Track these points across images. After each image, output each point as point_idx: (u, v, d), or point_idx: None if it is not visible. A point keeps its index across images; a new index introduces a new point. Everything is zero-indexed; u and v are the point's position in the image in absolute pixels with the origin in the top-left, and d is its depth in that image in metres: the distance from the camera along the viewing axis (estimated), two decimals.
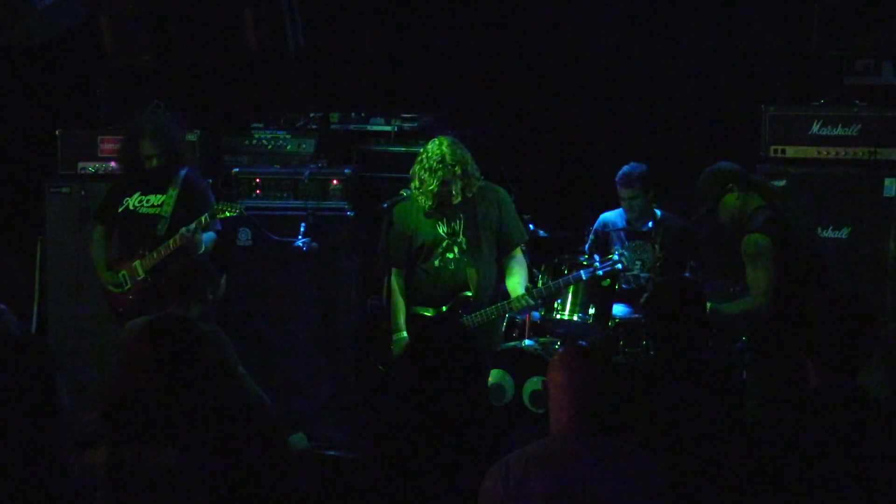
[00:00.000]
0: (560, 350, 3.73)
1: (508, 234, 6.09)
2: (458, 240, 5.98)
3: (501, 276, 6.16)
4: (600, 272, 6.11)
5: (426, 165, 5.89)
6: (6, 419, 3.77)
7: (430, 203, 5.93)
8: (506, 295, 6.09)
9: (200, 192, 6.64)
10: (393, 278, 5.99)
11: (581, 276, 6.11)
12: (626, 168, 7.05)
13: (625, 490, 3.52)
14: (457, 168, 5.88)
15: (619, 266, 6.10)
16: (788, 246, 5.60)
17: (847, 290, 5.01)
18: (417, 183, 5.93)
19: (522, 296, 5.96)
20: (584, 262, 6.35)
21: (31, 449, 3.75)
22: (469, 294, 5.95)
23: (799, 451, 3.54)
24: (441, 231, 5.98)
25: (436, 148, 5.91)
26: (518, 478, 3.53)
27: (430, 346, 4.07)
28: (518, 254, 6.14)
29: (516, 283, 6.05)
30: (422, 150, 6.02)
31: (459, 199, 5.94)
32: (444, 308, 5.95)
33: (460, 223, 5.99)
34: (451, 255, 5.98)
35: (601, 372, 3.65)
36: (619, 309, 6.66)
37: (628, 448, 3.62)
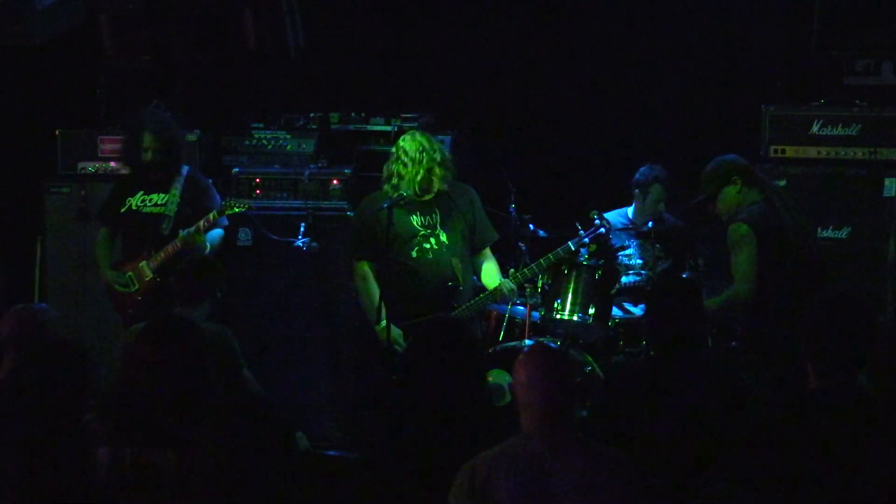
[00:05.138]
0: (525, 349, 3.75)
1: (482, 233, 6.20)
2: (437, 232, 6.02)
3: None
4: (586, 239, 6.22)
5: (408, 158, 5.94)
6: (38, 421, 3.79)
7: (413, 194, 5.93)
8: (483, 291, 6.18)
9: (204, 189, 6.65)
10: (363, 270, 6.04)
11: (570, 247, 6.20)
12: (659, 168, 7.06)
13: (591, 488, 3.53)
14: (436, 154, 5.95)
15: (602, 230, 6.23)
16: (774, 242, 5.63)
17: (844, 291, 5.02)
18: (396, 180, 5.95)
19: (505, 281, 6.05)
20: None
21: (61, 448, 3.76)
22: (457, 283, 5.99)
23: (799, 452, 3.55)
24: (416, 223, 6.01)
25: (411, 140, 6.00)
26: (483, 477, 3.56)
27: (431, 347, 4.07)
28: (488, 251, 6.26)
29: (493, 273, 6.16)
30: (393, 148, 6.07)
31: (439, 187, 5.98)
32: (434, 301, 5.95)
33: (437, 217, 6.03)
34: (428, 246, 6.01)
35: (566, 370, 3.68)
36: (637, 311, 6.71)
37: (596, 446, 3.64)
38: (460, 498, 3.57)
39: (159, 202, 6.55)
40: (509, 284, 6.08)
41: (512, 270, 6.25)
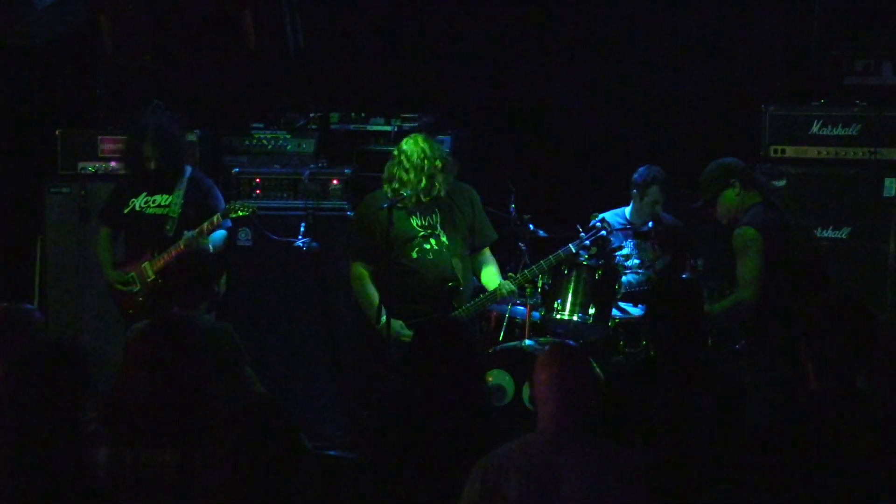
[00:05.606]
0: (546, 348, 3.75)
1: (481, 233, 6.18)
2: (437, 233, 6.01)
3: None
4: (586, 242, 6.18)
5: (410, 164, 5.93)
6: (34, 423, 3.77)
7: (412, 200, 5.93)
8: (483, 291, 6.16)
9: (207, 190, 6.63)
10: (360, 270, 6.04)
11: (570, 249, 6.17)
12: (661, 170, 7.05)
13: (601, 487, 3.53)
14: (437, 162, 5.94)
15: (603, 233, 6.20)
16: (780, 243, 5.63)
17: (845, 293, 5.02)
18: (397, 184, 5.95)
19: (504, 282, 6.03)
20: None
21: (58, 449, 3.74)
22: (457, 284, 5.98)
23: (800, 453, 3.55)
24: (415, 224, 6.00)
25: (414, 145, 5.98)
26: (495, 474, 3.56)
27: (430, 347, 4.07)
28: (488, 252, 6.24)
29: (493, 274, 6.14)
30: (395, 150, 6.06)
31: (440, 192, 5.98)
32: (434, 302, 5.95)
33: (437, 217, 6.02)
34: (428, 247, 6.00)
35: (585, 370, 3.68)
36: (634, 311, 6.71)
37: (609, 445, 3.64)
38: (472, 495, 3.56)
39: (163, 203, 6.53)
40: (508, 286, 6.07)
41: (511, 274, 6.25)
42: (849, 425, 3.57)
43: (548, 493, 3.52)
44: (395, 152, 6.05)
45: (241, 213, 6.41)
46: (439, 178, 5.95)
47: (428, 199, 6.01)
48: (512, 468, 3.55)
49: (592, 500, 3.52)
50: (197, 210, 6.48)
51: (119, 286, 6.52)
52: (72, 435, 3.75)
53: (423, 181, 5.92)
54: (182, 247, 6.32)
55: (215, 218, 6.36)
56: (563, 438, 3.59)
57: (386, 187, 6.02)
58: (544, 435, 3.61)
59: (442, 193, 6.01)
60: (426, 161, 5.92)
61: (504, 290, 6.05)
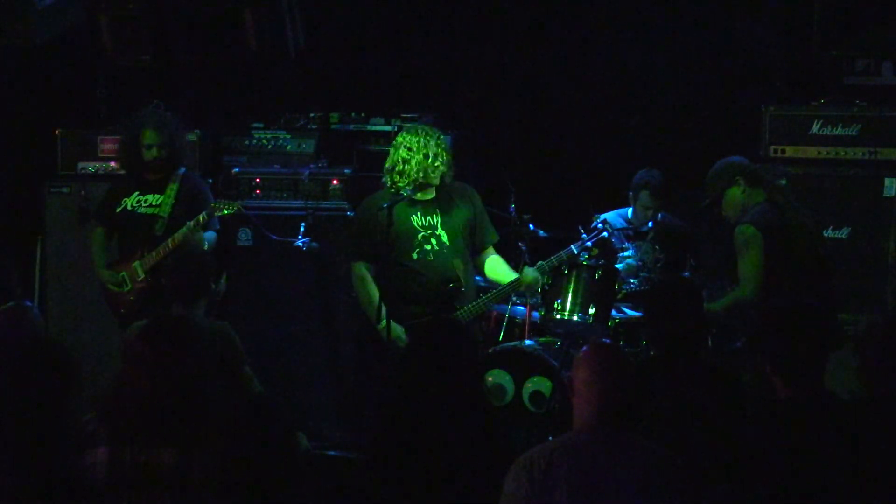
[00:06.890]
0: (585, 346, 3.74)
1: (483, 233, 6.14)
2: (437, 233, 5.99)
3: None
4: (588, 243, 6.16)
5: (411, 144, 5.90)
6: (15, 423, 3.75)
7: (412, 183, 5.90)
8: (484, 292, 6.12)
9: (199, 191, 6.63)
10: (361, 270, 6.02)
11: (572, 251, 6.14)
12: (656, 175, 7.04)
13: (644, 486, 3.53)
14: (441, 141, 5.92)
15: (605, 234, 6.18)
16: (780, 242, 5.64)
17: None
18: (401, 166, 5.93)
19: (531, 269, 5.98)
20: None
21: (39, 450, 3.72)
22: (459, 285, 5.95)
23: (783, 460, 3.58)
24: (416, 224, 5.99)
25: (412, 130, 5.98)
26: (542, 470, 3.54)
27: (429, 347, 4.07)
28: (492, 250, 6.19)
29: (506, 268, 6.09)
30: (393, 143, 6.04)
31: (442, 176, 5.95)
32: (436, 303, 5.94)
33: (437, 217, 6.00)
34: (429, 247, 5.98)
35: (626, 369, 3.67)
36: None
37: (649, 445, 3.64)
38: (518, 491, 3.56)
39: (154, 203, 6.53)
40: (533, 273, 5.99)
41: (541, 262, 6.16)
42: (826, 428, 3.60)
43: (597, 490, 3.51)
44: (394, 143, 6.03)
45: (225, 212, 6.40)
46: (442, 157, 5.93)
47: (429, 194, 5.97)
48: (561, 465, 3.53)
49: (642, 499, 3.52)
50: (188, 210, 6.46)
51: (111, 287, 6.53)
52: (58, 435, 3.73)
53: (430, 157, 5.87)
54: (170, 246, 6.31)
55: (201, 217, 6.33)
56: (609, 437, 3.58)
57: (387, 178, 5.99)
58: (588, 434, 3.60)
59: (447, 179, 5.99)
60: (430, 139, 5.89)
61: (529, 278, 5.99)
